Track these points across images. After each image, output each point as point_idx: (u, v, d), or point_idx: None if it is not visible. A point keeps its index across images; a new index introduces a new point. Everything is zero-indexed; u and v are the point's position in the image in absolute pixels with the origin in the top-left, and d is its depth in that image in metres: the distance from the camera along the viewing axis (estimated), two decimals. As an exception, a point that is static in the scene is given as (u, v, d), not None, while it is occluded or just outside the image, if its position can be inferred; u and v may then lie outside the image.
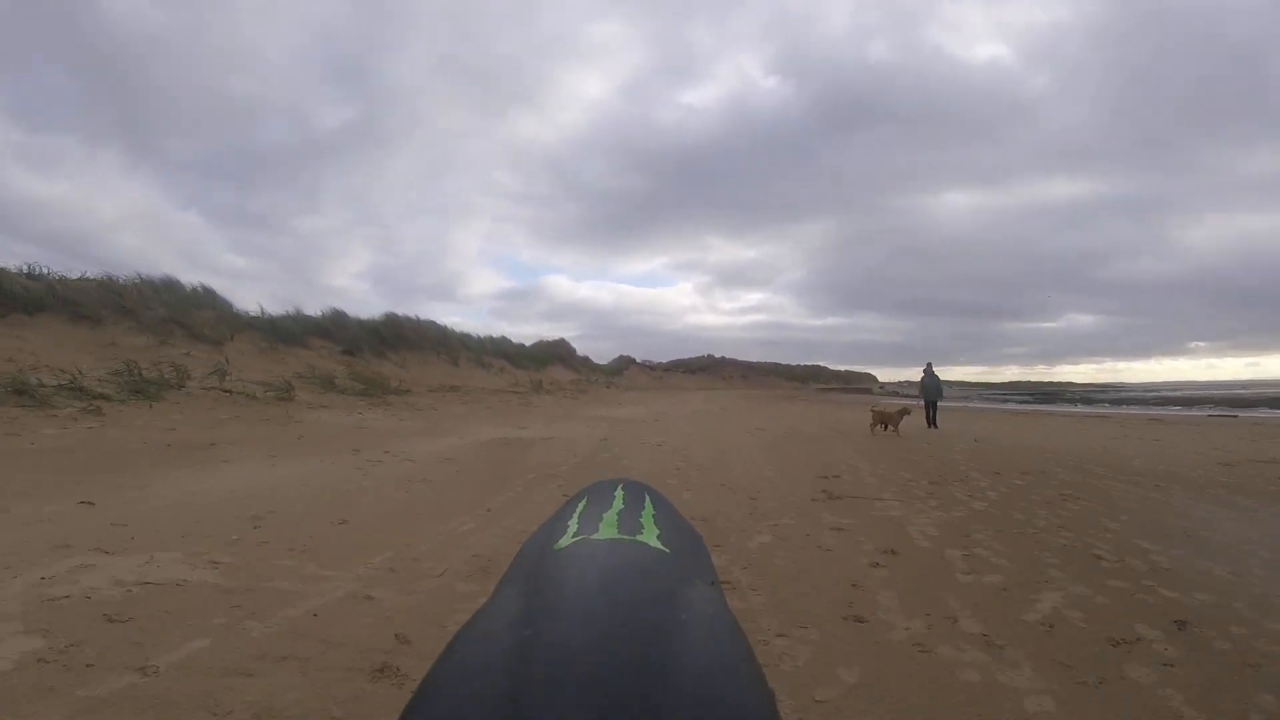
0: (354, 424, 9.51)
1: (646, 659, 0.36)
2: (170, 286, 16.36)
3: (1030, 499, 5.24)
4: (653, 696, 0.33)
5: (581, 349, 39.49)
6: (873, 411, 12.41)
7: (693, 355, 77.06)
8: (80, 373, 8.07)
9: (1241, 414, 22.81)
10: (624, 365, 50.47)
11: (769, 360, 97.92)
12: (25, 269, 13.47)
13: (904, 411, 12.24)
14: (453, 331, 26.62)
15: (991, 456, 8.22)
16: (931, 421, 13.79)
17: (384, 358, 19.89)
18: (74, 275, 14.08)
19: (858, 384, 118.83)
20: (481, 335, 29.10)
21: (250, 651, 2.08)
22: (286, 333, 17.14)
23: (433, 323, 25.47)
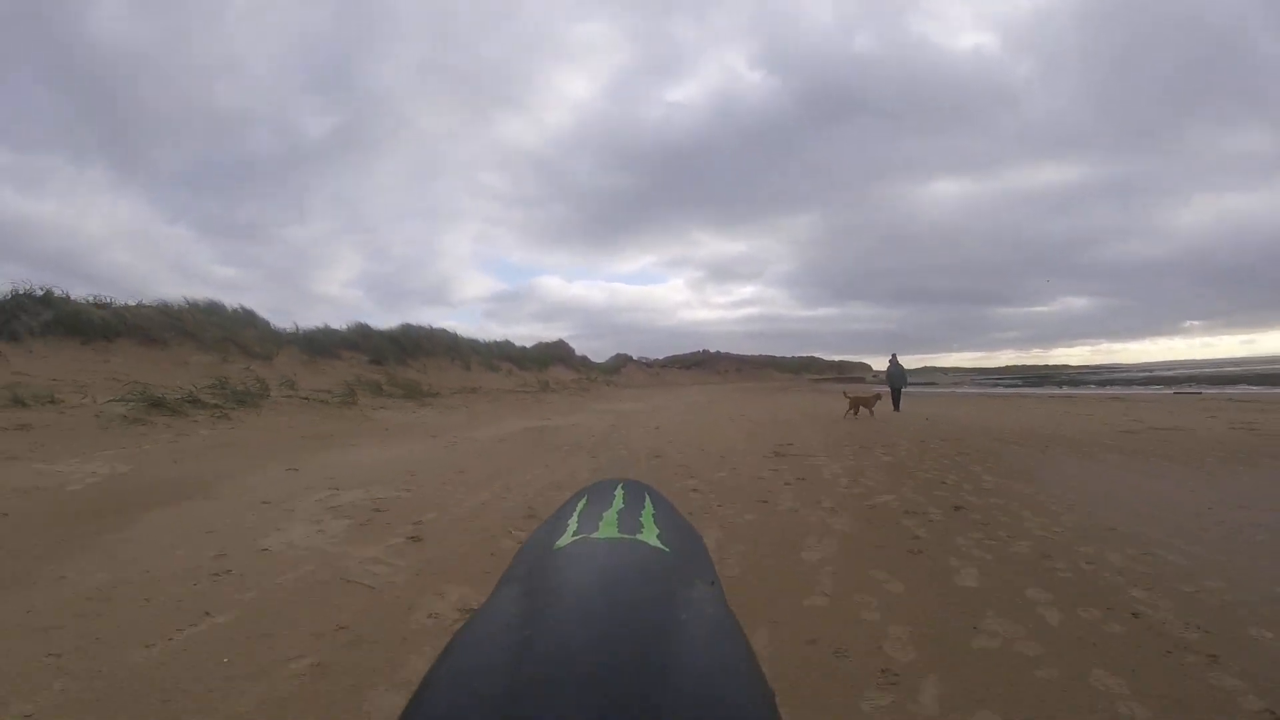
0: (413, 420, 11.63)
1: (646, 658, 0.36)
2: (215, 309, 18.42)
3: (931, 455, 7.36)
4: (653, 696, 0.33)
5: (577, 348, 41.59)
6: (848, 398, 14.54)
7: (687, 351, 79.05)
8: (195, 387, 10.15)
9: (1209, 390, 25.09)
10: (621, 363, 52.50)
11: (763, 353, 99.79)
12: (93, 299, 15.52)
13: (876, 397, 14.35)
14: (462, 338, 28.72)
15: (927, 431, 10.35)
16: (896, 405, 15.90)
17: (406, 365, 21.97)
18: (133, 302, 16.17)
19: (852, 373, 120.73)
20: (487, 340, 31.22)
21: (458, 519, 4.18)
22: (320, 346, 19.25)
23: (444, 330, 27.58)
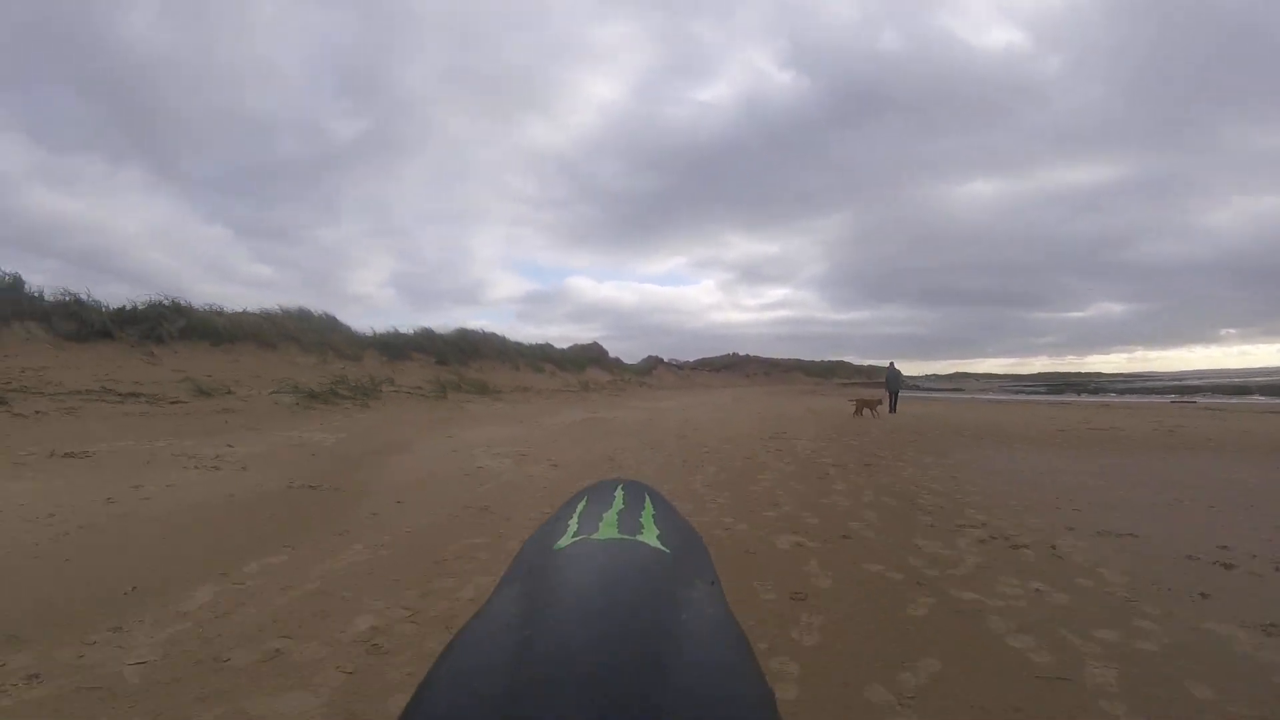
0: (493, 411, 14.82)
1: (646, 659, 0.36)
2: (304, 315, 21.84)
3: (887, 441, 10.09)
4: (653, 696, 0.33)
5: (608, 349, 44.70)
6: (855, 401, 17.24)
7: (717, 353, 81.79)
8: (338, 382, 13.41)
9: (1215, 399, 27.00)
10: (652, 365, 55.42)
11: (793, 355, 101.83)
12: (210, 307, 18.98)
13: (878, 400, 17.02)
14: (510, 341, 32.00)
15: (902, 426, 13.04)
16: (893, 408, 18.50)
17: (467, 365, 25.23)
18: (241, 310, 19.64)
19: (879, 378, 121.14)
20: (529, 343, 34.53)
21: (572, 459, 7.14)
22: (394, 348, 22.55)
23: (495, 334, 30.89)
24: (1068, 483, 6.24)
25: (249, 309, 19.97)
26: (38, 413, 8.79)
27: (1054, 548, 3.83)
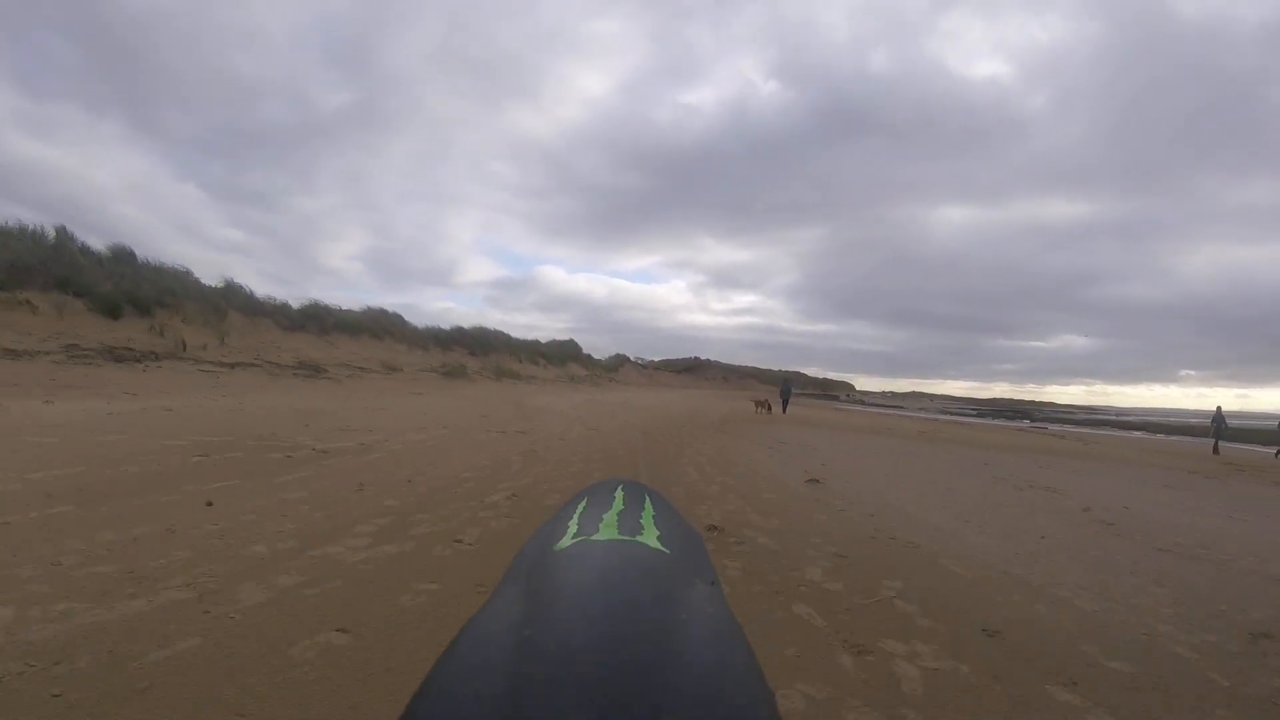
0: (518, 390, 23.82)
1: (646, 659, 0.37)
2: (381, 313, 30.33)
3: (761, 423, 19.55)
4: (653, 697, 0.34)
5: (575, 342, 53.85)
6: (754, 401, 26.81)
7: (682, 355, 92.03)
8: (440, 366, 22.43)
9: (1067, 427, 35.22)
10: (620, 363, 64.88)
11: (758, 363, 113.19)
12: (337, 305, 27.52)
13: (773, 403, 26.59)
14: (509, 336, 41.00)
15: (782, 419, 22.56)
16: (784, 409, 28.15)
17: (475, 356, 34.15)
18: (345, 306, 28.25)
19: (834, 391, 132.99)
20: (521, 338, 43.54)
21: (611, 424, 16.34)
22: (443, 340, 31.36)
23: (499, 331, 39.84)
24: (824, 448, 15.67)
25: (353, 308, 28.69)
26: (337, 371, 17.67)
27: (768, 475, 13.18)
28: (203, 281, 20.42)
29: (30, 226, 17.15)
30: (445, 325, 33.92)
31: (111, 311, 15.70)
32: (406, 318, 29.50)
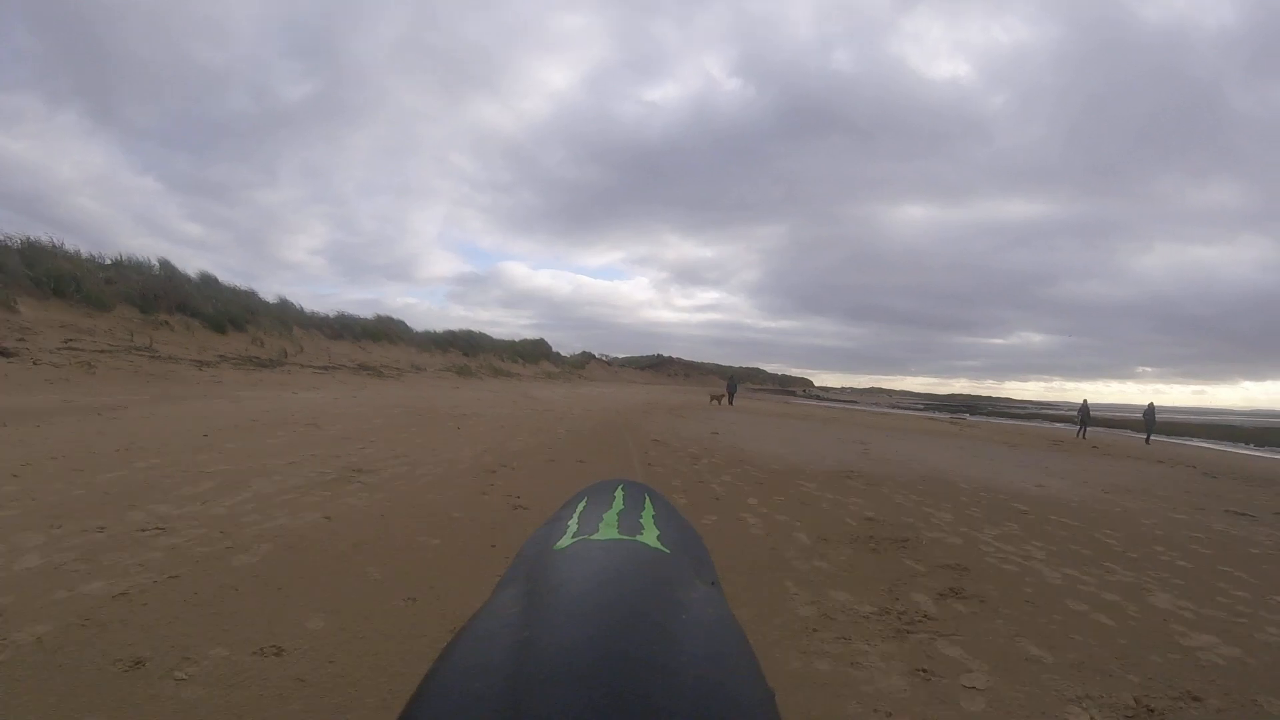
0: (523, 385, 29.69)
1: (646, 659, 0.38)
2: (392, 321, 35.66)
3: (710, 412, 25.89)
4: (653, 697, 0.35)
5: (540, 338, 59.61)
6: (710, 395, 33.20)
7: (645, 353, 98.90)
8: (467, 366, 28.23)
9: (974, 417, 42.65)
10: (586, 360, 70.68)
11: (718, 360, 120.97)
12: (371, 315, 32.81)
13: (724, 395, 33.05)
14: (499, 340, 46.66)
15: (730, 409, 28.97)
16: (730, 402, 34.63)
17: (479, 356, 39.79)
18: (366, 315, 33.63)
19: (791, 387, 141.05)
20: (504, 339, 49.21)
21: (608, 406, 22.41)
22: (430, 342, 36.87)
23: (483, 334, 45.48)
24: (741, 423, 22.03)
25: (380, 314, 33.94)
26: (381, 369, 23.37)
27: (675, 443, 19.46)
28: (265, 299, 25.72)
29: (139, 258, 22.34)
30: (438, 329, 39.49)
31: (219, 328, 21.10)
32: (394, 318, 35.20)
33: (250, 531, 3.83)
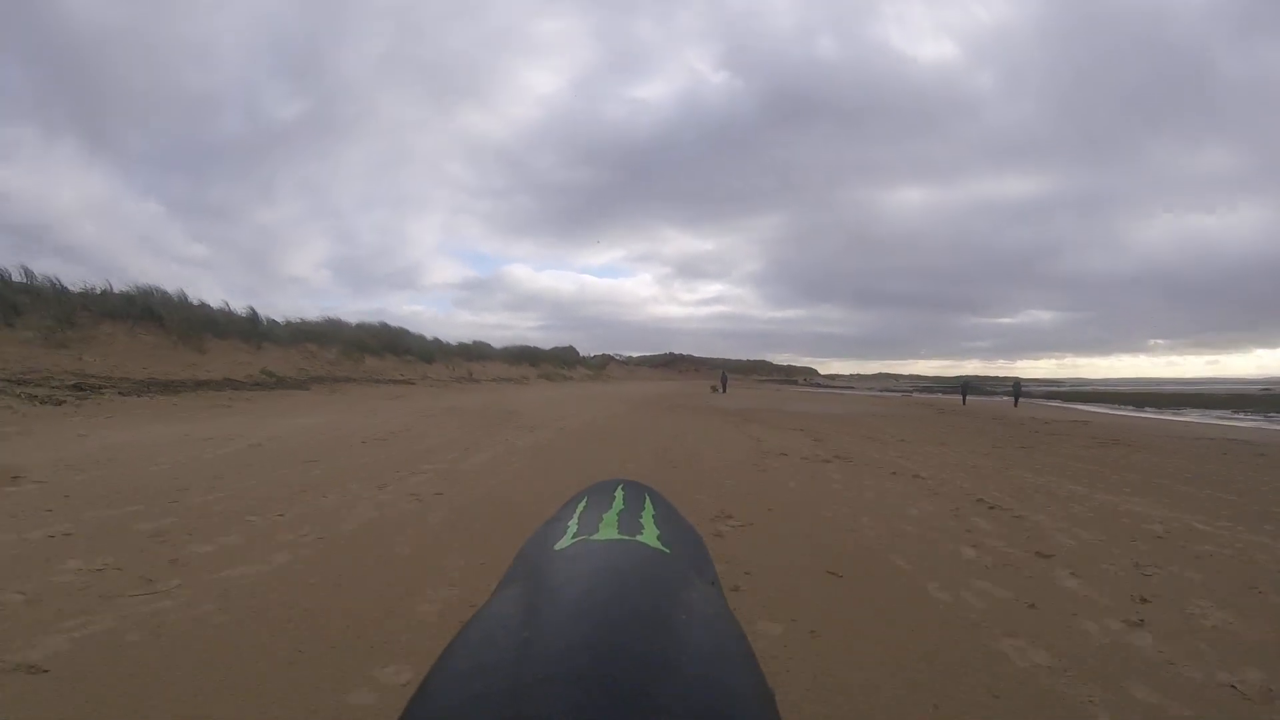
0: (580, 386, 36.59)
1: (646, 659, 0.38)
2: (398, 331, 42.35)
3: (701, 400, 32.65)
4: (654, 696, 0.35)
5: (547, 339, 67.20)
6: (711, 386, 39.99)
7: (655, 349, 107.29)
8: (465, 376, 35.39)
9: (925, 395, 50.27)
10: (605, 362, 77.70)
11: (726, 354, 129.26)
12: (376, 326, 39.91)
13: (720, 385, 39.90)
14: (513, 347, 53.67)
15: (723, 396, 35.73)
16: (724, 389, 41.19)
17: (533, 365, 46.60)
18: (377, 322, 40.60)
19: (794, 377, 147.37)
20: (519, 345, 56.19)
21: (634, 398, 29.21)
22: (434, 352, 43.71)
23: (536, 347, 52.17)
24: (726, 402, 28.73)
25: (387, 322, 40.89)
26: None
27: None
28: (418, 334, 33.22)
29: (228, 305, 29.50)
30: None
31: (428, 359, 28.69)
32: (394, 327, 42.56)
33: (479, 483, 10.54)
